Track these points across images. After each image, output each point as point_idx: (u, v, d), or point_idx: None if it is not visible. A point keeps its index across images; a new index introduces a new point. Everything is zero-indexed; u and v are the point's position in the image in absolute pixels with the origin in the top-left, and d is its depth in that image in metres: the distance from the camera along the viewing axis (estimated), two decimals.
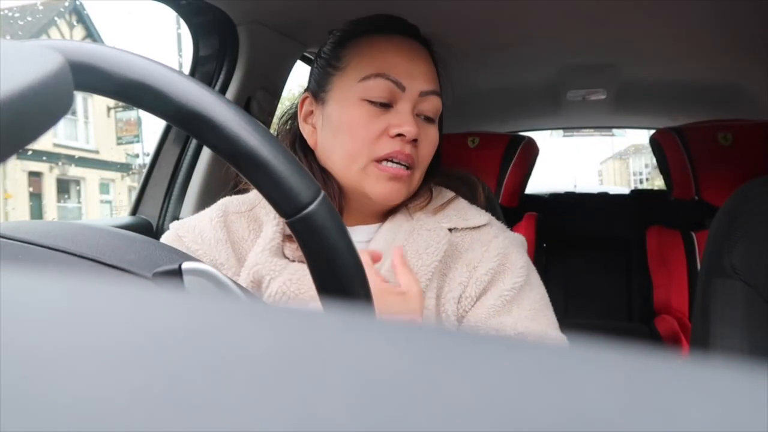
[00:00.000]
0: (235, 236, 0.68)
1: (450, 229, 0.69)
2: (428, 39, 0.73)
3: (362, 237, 0.70)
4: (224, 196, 0.74)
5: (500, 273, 0.66)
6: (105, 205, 13.55)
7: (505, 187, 1.76)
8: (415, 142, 0.66)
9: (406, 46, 0.69)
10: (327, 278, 0.34)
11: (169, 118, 0.34)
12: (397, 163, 0.65)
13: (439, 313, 0.65)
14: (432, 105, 0.68)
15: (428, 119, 0.69)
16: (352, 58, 0.69)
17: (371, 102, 0.66)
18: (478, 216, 0.72)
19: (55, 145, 11.65)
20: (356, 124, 0.66)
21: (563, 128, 2.68)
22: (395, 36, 0.70)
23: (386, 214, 0.71)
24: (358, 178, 0.66)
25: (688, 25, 1.22)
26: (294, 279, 0.62)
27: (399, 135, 0.65)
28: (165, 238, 0.68)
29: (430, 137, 0.69)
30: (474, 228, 0.70)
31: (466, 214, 0.71)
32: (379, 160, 0.65)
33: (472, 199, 0.75)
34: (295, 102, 0.76)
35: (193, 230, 0.67)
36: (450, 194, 0.74)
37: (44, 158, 11.23)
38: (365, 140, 0.65)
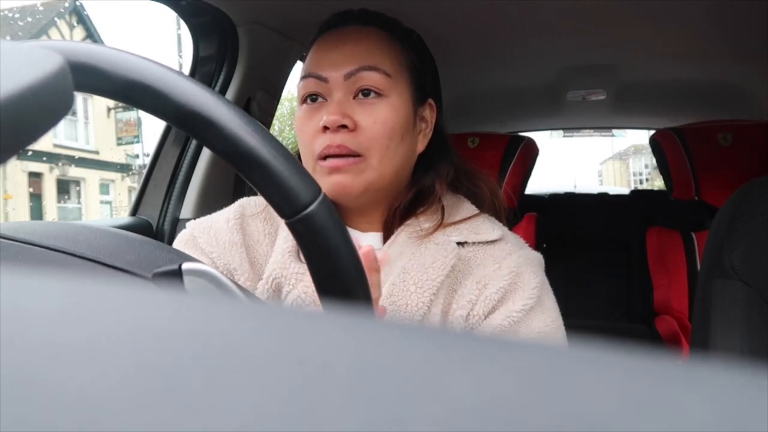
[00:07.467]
0: (251, 240, 0.67)
1: (461, 243, 0.66)
2: (377, 14, 0.69)
3: None
4: (224, 196, 0.74)
5: (511, 292, 0.63)
6: (105, 205, 13.56)
7: (505, 187, 1.75)
8: (345, 128, 0.62)
9: (339, 36, 0.67)
10: (327, 279, 0.34)
11: (169, 119, 0.34)
12: (334, 156, 0.63)
13: None
14: (367, 80, 0.64)
15: (376, 95, 0.64)
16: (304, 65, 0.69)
17: (305, 102, 0.66)
18: (491, 230, 0.68)
19: (55, 145, 11.66)
20: (298, 127, 0.66)
21: (563, 128, 2.68)
22: (339, 29, 0.68)
23: (389, 220, 0.69)
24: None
25: (688, 25, 1.22)
26: (311, 290, 0.60)
27: (326, 128, 0.63)
28: (180, 237, 0.68)
29: (375, 114, 0.63)
30: (487, 243, 0.67)
31: (478, 227, 0.68)
32: (321, 158, 0.63)
33: (492, 210, 0.72)
34: None
35: (208, 231, 0.66)
36: (471, 210, 0.70)
37: (44, 159, 11.24)
38: (306, 141, 0.65)
